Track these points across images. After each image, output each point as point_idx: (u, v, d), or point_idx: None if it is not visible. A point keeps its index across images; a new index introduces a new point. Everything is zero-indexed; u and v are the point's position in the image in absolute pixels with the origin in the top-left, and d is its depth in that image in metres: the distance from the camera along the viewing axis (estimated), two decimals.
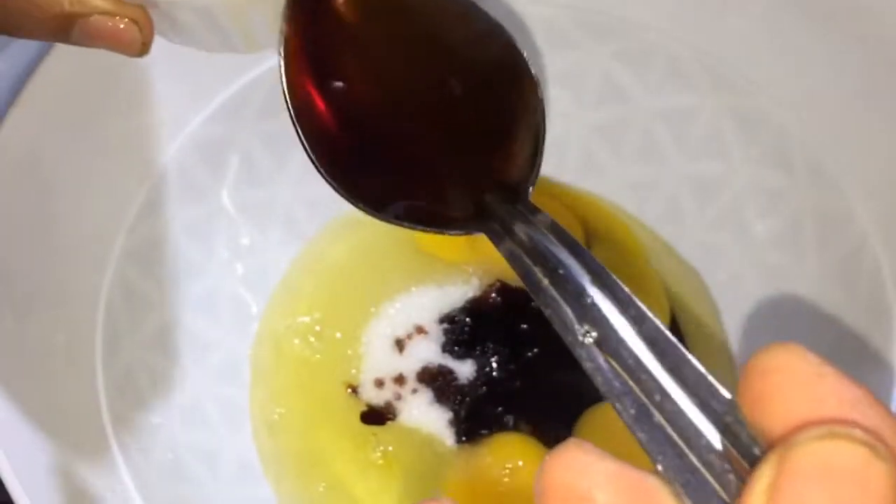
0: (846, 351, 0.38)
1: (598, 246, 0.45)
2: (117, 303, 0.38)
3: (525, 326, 0.44)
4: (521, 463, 0.41)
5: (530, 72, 0.29)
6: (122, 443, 0.36)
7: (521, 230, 0.26)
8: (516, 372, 0.43)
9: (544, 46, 0.42)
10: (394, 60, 0.31)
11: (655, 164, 0.44)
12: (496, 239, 0.26)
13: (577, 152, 0.45)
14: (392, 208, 0.30)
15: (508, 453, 0.41)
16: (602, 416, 0.42)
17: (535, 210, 0.26)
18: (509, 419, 0.43)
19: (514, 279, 0.44)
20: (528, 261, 0.25)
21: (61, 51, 0.34)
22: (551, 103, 0.44)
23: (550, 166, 0.46)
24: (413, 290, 0.45)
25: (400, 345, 0.44)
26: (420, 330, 0.44)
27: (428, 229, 0.29)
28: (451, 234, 0.29)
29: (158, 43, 0.30)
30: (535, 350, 0.43)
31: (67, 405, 0.35)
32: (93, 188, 0.37)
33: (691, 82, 0.41)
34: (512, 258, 0.26)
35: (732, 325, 0.43)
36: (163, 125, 0.39)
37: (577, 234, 0.45)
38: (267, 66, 0.40)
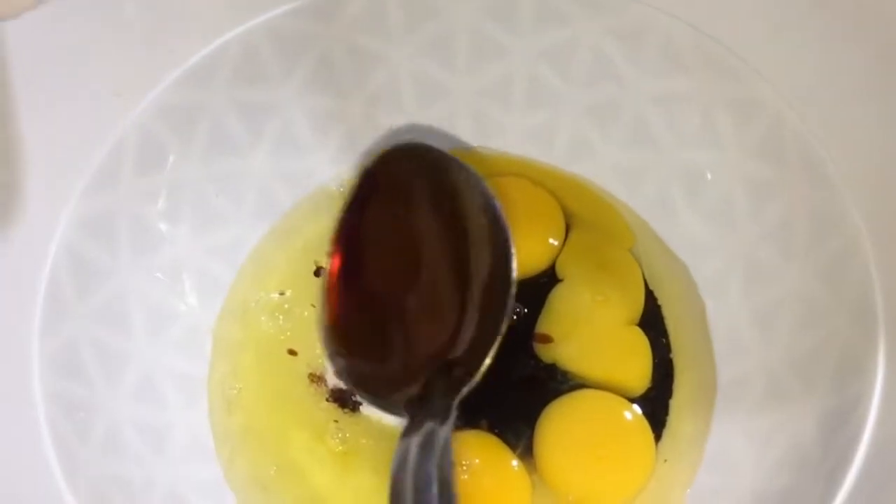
0: (829, 353, 0.37)
1: (581, 232, 0.44)
2: (63, 272, 0.36)
3: None
4: (477, 460, 0.40)
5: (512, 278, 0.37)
6: (51, 418, 0.35)
7: (427, 430, 0.34)
8: None
9: (534, 19, 0.40)
10: (401, 246, 0.40)
11: (646, 149, 0.42)
12: (412, 429, 0.35)
13: (565, 133, 0.43)
14: (353, 372, 0.38)
15: (467, 450, 0.40)
16: (563, 410, 0.40)
17: (449, 416, 0.35)
18: (470, 416, 0.41)
19: None
20: (410, 464, 0.33)
21: None
22: (540, 81, 0.42)
23: (537, 147, 0.44)
24: None
25: None
26: None
27: (367, 397, 0.38)
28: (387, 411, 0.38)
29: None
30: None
31: None
32: (43, 147, 0.35)
33: (686, 65, 0.39)
34: (402, 452, 0.33)
35: (717, 322, 0.41)
36: (123, 88, 0.37)
37: (557, 220, 0.44)
38: (242, 27, 0.39)
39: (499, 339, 0.36)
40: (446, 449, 0.33)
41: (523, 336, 0.42)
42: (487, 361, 0.36)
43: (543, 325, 0.42)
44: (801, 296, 0.38)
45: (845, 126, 0.36)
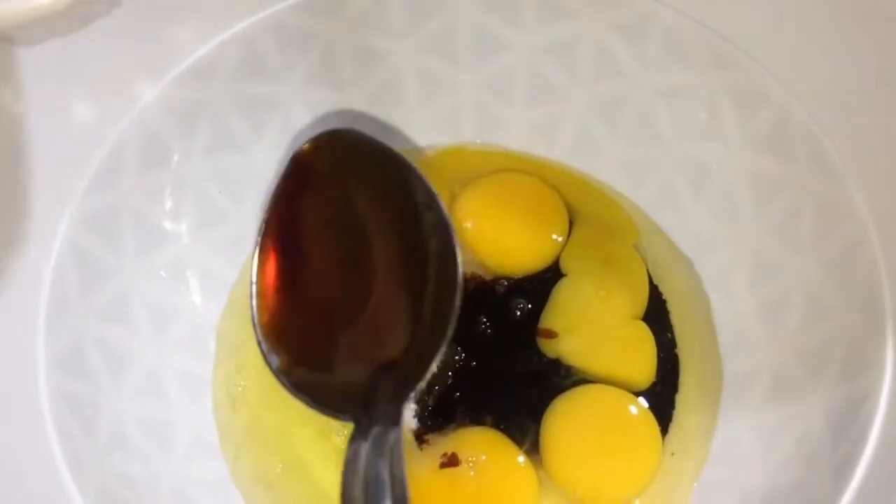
0: (837, 346, 0.37)
1: (584, 227, 0.43)
2: (68, 270, 0.36)
3: (490, 322, 0.42)
4: (484, 457, 0.39)
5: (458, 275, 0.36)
6: (58, 418, 0.34)
7: (375, 434, 0.34)
8: (483, 365, 0.42)
9: (537, 13, 0.40)
10: (339, 242, 0.39)
11: (651, 144, 0.42)
12: (359, 433, 0.34)
13: (570, 129, 0.43)
14: (293, 374, 0.37)
15: (473, 447, 0.40)
16: (569, 406, 0.40)
17: (399, 420, 0.34)
18: (475, 412, 0.41)
19: (488, 272, 0.43)
20: (360, 467, 0.33)
21: None
22: (543, 76, 0.42)
23: (541, 143, 0.44)
24: None
25: None
26: None
27: (313, 405, 0.36)
28: (330, 416, 0.37)
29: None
30: (502, 344, 0.42)
31: None
32: (47, 144, 0.35)
33: (690, 59, 0.39)
34: (351, 456, 0.33)
35: (723, 317, 0.41)
36: (126, 85, 0.37)
37: (560, 216, 0.43)
38: (245, 23, 0.38)
39: (446, 343, 0.35)
40: (397, 451, 0.33)
41: (527, 331, 0.42)
42: (434, 366, 0.35)
43: (547, 321, 0.42)
44: (809, 289, 0.38)
45: (852, 119, 0.35)
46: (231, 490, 0.40)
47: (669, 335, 0.42)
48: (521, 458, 0.40)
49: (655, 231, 0.43)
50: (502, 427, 0.41)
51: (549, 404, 0.40)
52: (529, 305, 0.42)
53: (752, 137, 0.39)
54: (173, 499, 0.37)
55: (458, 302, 0.36)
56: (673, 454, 0.40)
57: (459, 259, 0.36)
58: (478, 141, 0.44)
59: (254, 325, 0.37)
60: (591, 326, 0.42)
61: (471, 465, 0.39)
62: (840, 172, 0.36)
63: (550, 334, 0.42)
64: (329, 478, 0.40)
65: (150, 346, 0.39)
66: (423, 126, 0.44)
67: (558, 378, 0.41)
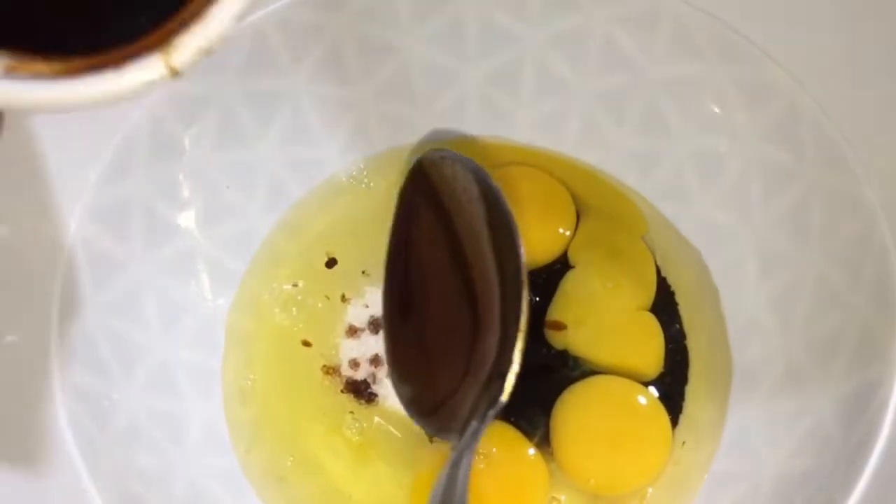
0: (848, 337, 0.37)
1: (592, 220, 0.43)
2: (80, 264, 0.36)
3: None
4: (495, 450, 0.40)
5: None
6: (71, 411, 0.34)
7: (458, 451, 0.35)
8: None
9: (544, 6, 0.40)
10: (444, 266, 0.40)
11: (658, 136, 0.42)
12: (458, 455, 0.35)
13: (576, 122, 0.43)
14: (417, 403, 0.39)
15: (484, 441, 0.39)
16: (579, 397, 0.40)
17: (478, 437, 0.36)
18: None
19: None
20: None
21: None
22: (550, 69, 0.42)
23: (548, 136, 0.44)
24: None
25: (376, 325, 0.43)
26: None
27: (435, 433, 0.39)
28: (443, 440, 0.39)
29: None
30: None
31: (11, 371, 0.34)
32: (54, 138, 0.35)
33: (698, 51, 0.38)
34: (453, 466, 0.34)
35: (732, 309, 0.41)
36: None
37: (567, 210, 0.44)
38: (252, 17, 0.38)
39: (519, 359, 0.36)
40: (466, 467, 0.35)
41: (535, 323, 0.42)
42: (511, 382, 0.36)
43: (555, 312, 0.42)
44: (818, 280, 0.38)
45: (861, 109, 0.35)
46: (243, 483, 0.40)
47: (678, 327, 0.42)
48: (532, 451, 0.40)
49: (663, 223, 0.43)
50: (512, 419, 0.41)
51: (559, 396, 0.41)
52: (537, 298, 0.42)
53: (761, 129, 0.39)
54: (186, 492, 0.37)
55: (525, 321, 0.37)
56: (684, 443, 0.40)
57: (526, 281, 0.37)
58: (484, 134, 0.44)
59: (387, 359, 0.40)
60: (599, 318, 0.42)
61: (481, 458, 0.39)
62: (850, 163, 0.36)
63: (558, 326, 0.42)
64: (340, 471, 0.41)
65: (161, 340, 0.39)
66: (430, 119, 0.44)
67: (566, 370, 0.41)
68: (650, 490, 0.40)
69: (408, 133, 0.44)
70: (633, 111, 0.42)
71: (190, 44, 0.21)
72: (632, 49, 0.40)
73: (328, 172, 0.44)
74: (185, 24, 0.21)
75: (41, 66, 0.21)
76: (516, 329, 0.36)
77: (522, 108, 0.43)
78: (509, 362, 0.36)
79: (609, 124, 0.42)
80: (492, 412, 0.36)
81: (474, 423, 0.36)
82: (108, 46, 0.21)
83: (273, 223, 0.43)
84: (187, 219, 0.40)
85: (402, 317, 0.41)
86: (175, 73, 0.21)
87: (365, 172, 0.44)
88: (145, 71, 0.20)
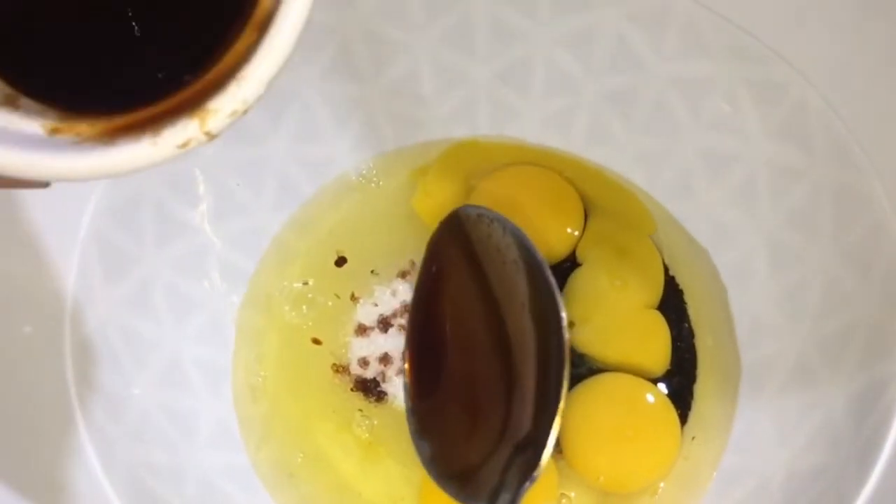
0: (857, 334, 0.37)
1: (600, 219, 0.44)
2: (92, 261, 0.36)
3: None
4: None
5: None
6: (84, 405, 0.35)
7: None
8: None
9: (553, 5, 0.40)
10: (473, 324, 0.39)
11: (667, 135, 0.42)
12: None
13: (585, 121, 0.43)
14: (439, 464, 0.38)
15: None
16: (587, 395, 0.41)
17: None
18: None
19: None
20: None
21: None
22: (559, 68, 0.42)
23: (557, 135, 0.44)
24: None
25: (385, 323, 0.43)
26: (407, 308, 0.43)
27: (459, 496, 0.37)
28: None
29: None
30: None
31: (27, 363, 0.34)
32: None
33: (708, 49, 0.38)
34: None
35: (741, 307, 0.41)
36: None
37: (576, 209, 0.44)
38: None
39: (557, 427, 0.35)
40: None
41: None
42: (548, 454, 0.34)
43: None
44: (827, 277, 0.38)
45: (870, 107, 0.35)
46: (254, 479, 0.40)
47: (686, 325, 0.42)
48: None
49: (671, 221, 0.43)
50: None
51: (567, 393, 0.41)
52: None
53: (770, 127, 0.39)
54: (198, 488, 0.38)
55: (565, 387, 0.35)
56: (694, 438, 0.41)
57: (568, 359, 0.36)
58: (494, 133, 0.44)
59: (408, 409, 0.40)
60: (606, 316, 0.42)
61: None
62: (859, 161, 0.36)
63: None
64: (349, 469, 0.41)
65: (172, 335, 0.39)
66: (439, 118, 0.44)
67: (574, 367, 0.42)
68: (662, 485, 0.40)
69: (417, 132, 0.44)
70: (643, 110, 0.42)
71: (226, 107, 0.20)
72: (641, 48, 0.40)
73: (338, 171, 0.44)
74: (220, 84, 0.20)
75: (84, 127, 0.20)
76: (556, 405, 0.35)
77: (531, 107, 0.43)
78: (546, 436, 0.35)
79: (618, 123, 0.43)
80: (527, 484, 0.34)
81: (506, 496, 0.35)
82: (146, 103, 0.20)
83: (283, 221, 0.43)
84: (198, 216, 0.41)
85: (428, 369, 0.40)
86: (210, 137, 0.20)
87: (374, 171, 0.44)
88: (181, 136, 0.20)
